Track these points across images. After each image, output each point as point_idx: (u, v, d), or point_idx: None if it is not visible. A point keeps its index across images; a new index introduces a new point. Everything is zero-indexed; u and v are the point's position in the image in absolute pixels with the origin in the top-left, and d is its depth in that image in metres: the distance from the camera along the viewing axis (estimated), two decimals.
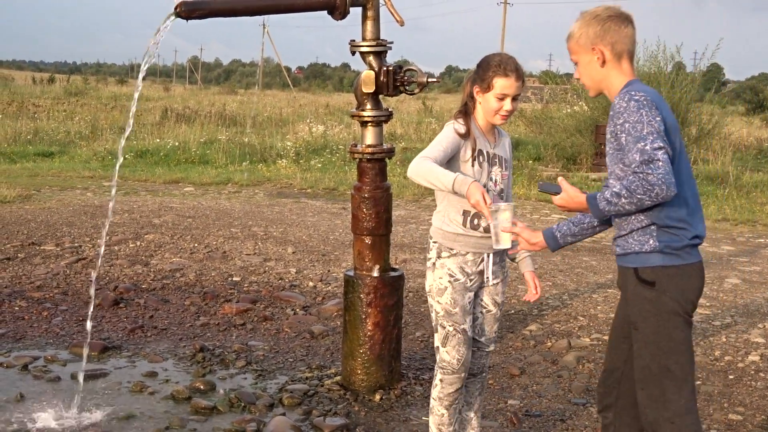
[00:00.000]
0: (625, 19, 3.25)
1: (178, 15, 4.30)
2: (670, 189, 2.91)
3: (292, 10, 4.87)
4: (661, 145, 2.94)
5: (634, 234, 3.15)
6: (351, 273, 5.12)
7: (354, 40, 4.93)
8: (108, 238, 8.64)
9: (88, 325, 5.15)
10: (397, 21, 4.89)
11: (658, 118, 3.01)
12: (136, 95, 4.60)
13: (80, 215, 9.97)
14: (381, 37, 4.90)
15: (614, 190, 3.00)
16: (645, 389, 3.17)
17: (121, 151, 4.86)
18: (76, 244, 8.49)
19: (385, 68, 4.89)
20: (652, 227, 3.11)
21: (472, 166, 3.77)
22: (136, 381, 5.19)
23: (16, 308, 6.61)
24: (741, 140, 22.60)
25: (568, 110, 20.48)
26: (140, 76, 4.72)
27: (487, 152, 3.84)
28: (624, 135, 3.02)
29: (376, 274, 5.02)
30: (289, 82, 70.32)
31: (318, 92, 66.71)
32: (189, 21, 4.37)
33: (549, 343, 6.06)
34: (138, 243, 8.64)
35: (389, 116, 5.04)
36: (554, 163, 17.92)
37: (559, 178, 3.32)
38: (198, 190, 13.27)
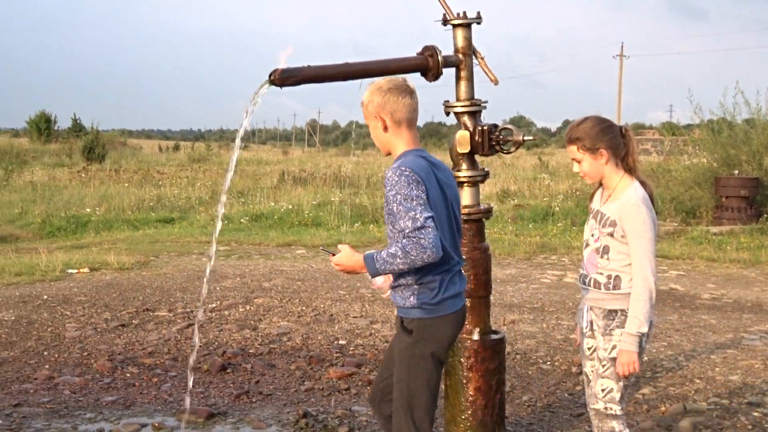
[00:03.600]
0: (405, 91, 3.74)
1: (272, 83, 4.30)
2: (438, 252, 3.42)
3: (385, 72, 4.83)
4: (430, 214, 3.46)
5: (399, 289, 3.68)
6: None
7: (448, 101, 4.89)
8: (218, 302, 8.76)
9: (187, 401, 5.17)
10: (492, 80, 4.83)
11: (422, 193, 3.50)
12: (232, 166, 4.60)
13: (194, 280, 10.18)
14: (475, 97, 4.85)
15: (390, 251, 3.45)
16: (395, 415, 3.75)
17: (220, 218, 4.90)
18: (187, 310, 8.64)
19: (479, 128, 4.83)
20: (414, 286, 3.65)
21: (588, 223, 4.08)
22: None
23: (128, 375, 6.73)
24: None
25: (687, 162, 19.93)
26: (236, 148, 4.69)
27: (593, 209, 4.03)
28: (395, 204, 3.49)
29: (476, 337, 4.90)
30: None
31: (434, 151, 66.96)
32: (283, 88, 4.39)
33: (663, 408, 5.78)
34: (248, 307, 8.74)
35: (485, 176, 4.95)
36: (672, 217, 17.40)
37: (339, 245, 3.69)
38: (309, 253, 13.39)
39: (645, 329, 3.76)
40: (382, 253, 3.47)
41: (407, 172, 3.53)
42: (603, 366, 3.86)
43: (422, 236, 3.38)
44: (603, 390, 3.85)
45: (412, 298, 3.65)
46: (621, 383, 3.84)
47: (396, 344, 3.76)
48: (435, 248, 3.39)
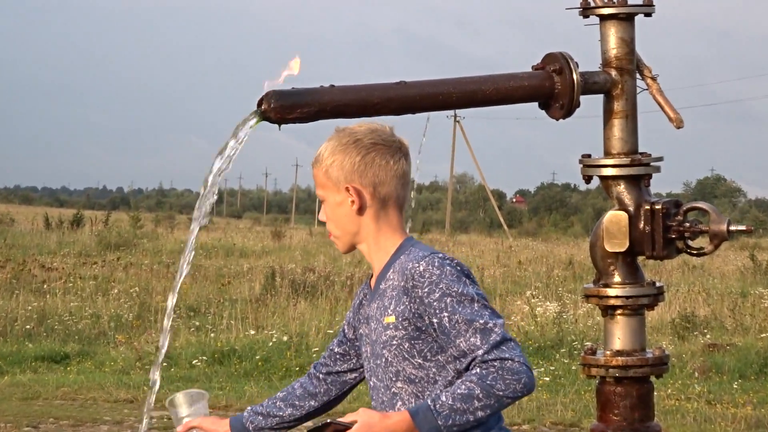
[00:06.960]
0: (397, 150, 4.00)
1: (264, 116, 4.20)
2: (533, 377, 3.65)
3: (472, 103, 4.78)
4: (502, 320, 3.73)
5: None
6: None
7: (588, 155, 4.87)
8: None
9: None
10: (672, 120, 4.83)
11: (481, 290, 3.79)
12: (185, 266, 4.63)
13: None
14: (640, 150, 4.84)
15: (460, 391, 3.59)
16: None
17: (158, 367, 4.90)
18: None
19: (647, 207, 4.81)
20: None
21: None
22: None
23: None
24: None
25: None
26: (194, 228, 4.69)
27: None
28: (446, 314, 3.69)
29: None
30: (500, 218, 71.39)
31: (554, 236, 66.98)
32: (281, 126, 4.32)
33: None
34: None
35: (657, 297, 4.90)
36: None
37: (349, 414, 3.79)
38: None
39: None
40: (444, 398, 3.62)
41: (451, 262, 3.83)
42: None
43: (507, 356, 3.60)
44: None
45: None
46: None
47: None
48: (529, 372, 3.65)
